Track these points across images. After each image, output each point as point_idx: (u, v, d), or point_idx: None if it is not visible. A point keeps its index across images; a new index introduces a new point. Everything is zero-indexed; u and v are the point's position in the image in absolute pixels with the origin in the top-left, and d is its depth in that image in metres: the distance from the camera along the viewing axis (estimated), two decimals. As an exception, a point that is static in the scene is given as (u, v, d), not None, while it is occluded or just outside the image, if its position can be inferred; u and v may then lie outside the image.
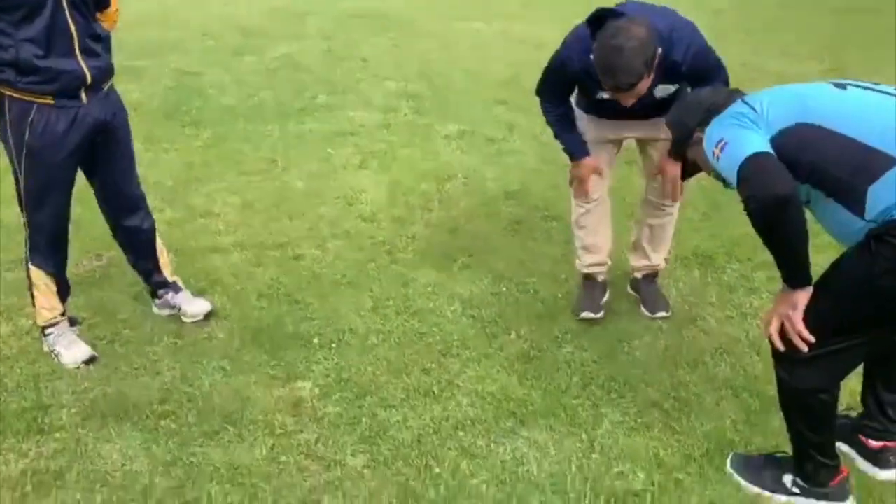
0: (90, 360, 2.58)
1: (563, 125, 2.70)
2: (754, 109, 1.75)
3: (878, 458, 2.02)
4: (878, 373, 1.98)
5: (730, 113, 1.80)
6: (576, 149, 2.71)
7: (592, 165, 2.69)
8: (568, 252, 3.31)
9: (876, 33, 7.73)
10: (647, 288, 2.86)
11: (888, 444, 2.02)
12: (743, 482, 2.02)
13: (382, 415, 2.33)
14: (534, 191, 4.02)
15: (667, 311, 2.80)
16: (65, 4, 2.24)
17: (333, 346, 2.70)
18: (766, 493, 1.97)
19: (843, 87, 1.77)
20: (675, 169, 2.42)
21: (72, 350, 2.58)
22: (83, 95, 2.35)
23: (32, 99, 2.29)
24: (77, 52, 2.29)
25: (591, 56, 2.28)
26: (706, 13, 8.81)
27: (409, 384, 2.47)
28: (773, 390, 2.40)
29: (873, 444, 2.02)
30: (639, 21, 2.20)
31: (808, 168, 1.70)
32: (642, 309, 2.85)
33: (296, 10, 10.81)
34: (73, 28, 2.27)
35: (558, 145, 2.80)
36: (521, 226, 3.60)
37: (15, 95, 2.28)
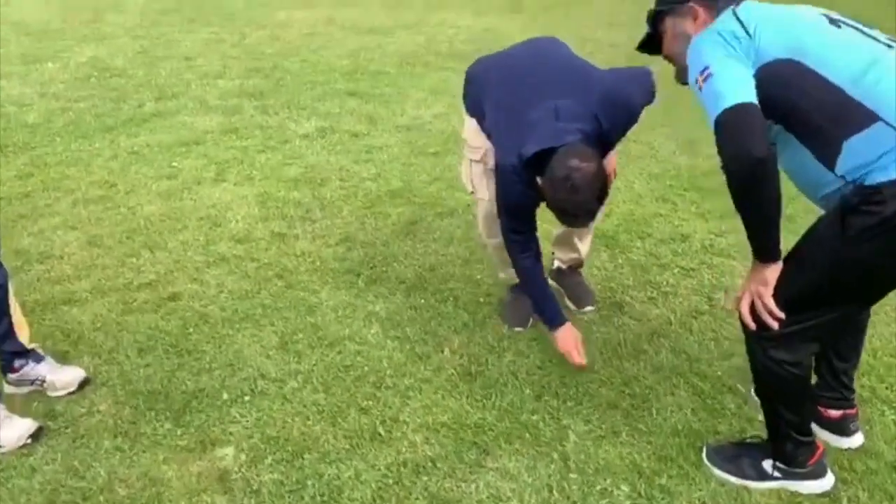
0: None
1: (533, 275, 2.29)
2: (747, 32, 1.63)
3: (840, 427, 2.05)
4: (830, 342, 2.00)
5: (722, 30, 1.66)
6: (553, 315, 2.29)
7: (575, 338, 2.28)
8: (475, 249, 3.14)
9: None
10: (572, 280, 2.75)
11: (847, 412, 2.05)
12: (724, 475, 1.97)
13: (329, 472, 2.02)
14: (417, 186, 3.80)
15: (593, 305, 2.72)
16: None
17: (247, 398, 2.32)
18: (751, 484, 1.93)
19: (837, 24, 1.67)
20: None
21: None
22: None
23: None
24: None
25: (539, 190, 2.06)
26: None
27: (349, 430, 2.17)
28: (717, 370, 2.41)
29: (833, 413, 2.05)
30: (583, 152, 1.97)
31: (786, 108, 1.61)
32: (567, 302, 2.74)
33: (87, 4, 9.66)
34: None
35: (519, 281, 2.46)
36: (416, 227, 3.37)
37: None
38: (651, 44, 1.96)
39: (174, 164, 4.18)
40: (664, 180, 3.71)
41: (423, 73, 5.94)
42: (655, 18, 1.91)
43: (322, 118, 4.91)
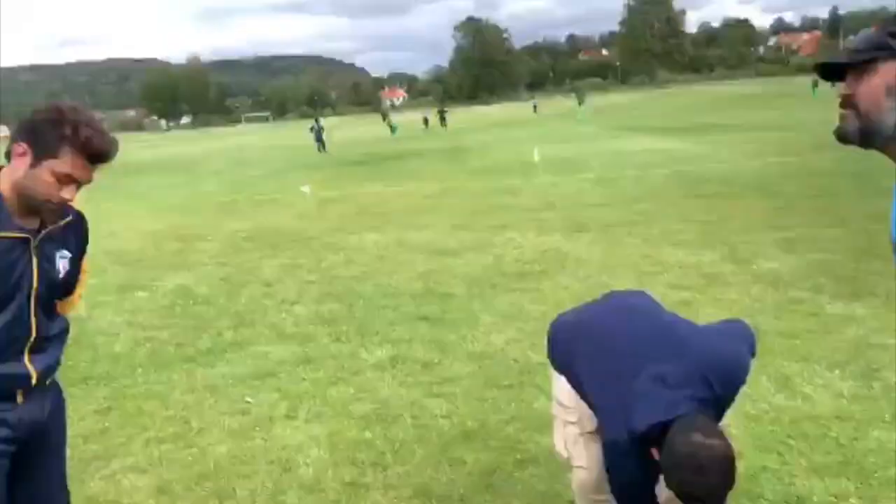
0: None
1: None
2: None
3: None
4: None
5: None
6: None
7: None
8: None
9: (748, 216, 8.43)
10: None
11: None
12: None
13: None
14: (493, 427, 3.64)
15: None
16: (32, 302, 1.85)
17: None
18: None
19: None
20: None
21: None
22: (19, 397, 1.89)
23: None
24: (27, 352, 1.88)
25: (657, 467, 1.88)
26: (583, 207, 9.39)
27: None
28: None
29: None
30: (705, 425, 1.82)
31: None
32: None
33: (180, 234, 10.51)
34: (33, 327, 1.88)
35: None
36: (494, 477, 3.15)
37: None
38: (835, 70, 1.47)
39: (247, 398, 4.19)
40: (764, 424, 3.42)
41: (492, 295, 6.02)
42: (873, 49, 1.40)
43: (393, 345, 4.94)
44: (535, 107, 56.34)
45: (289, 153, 31.15)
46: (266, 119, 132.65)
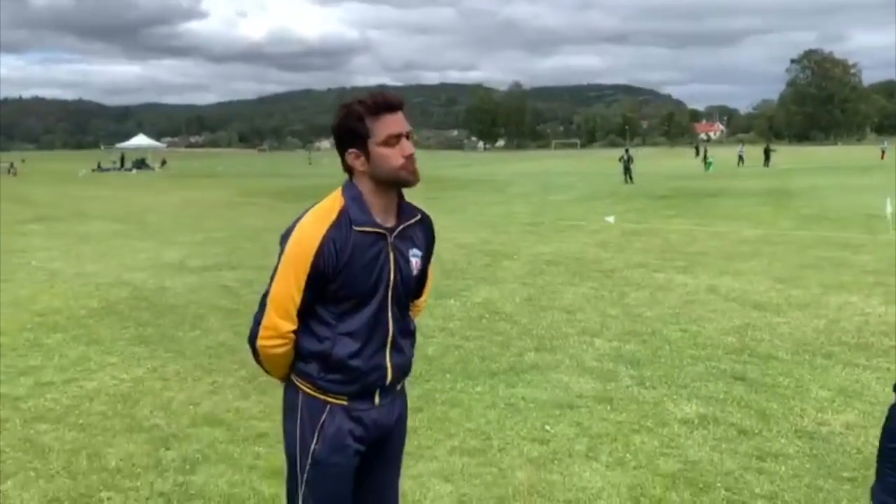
0: None
1: None
2: None
3: None
4: None
5: None
6: None
7: None
8: None
9: None
10: None
11: None
12: None
13: None
14: (829, 525, 3.08)
15: None
16: (390, 297, 1.96)
17: None
18: None
19: None
20: None
21: None
22: (376, 397, 2.01)
23: (326, 398, 1.96)
24: (388, 349, 1.99)
25: None
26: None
27: None
28: None
29: None
30: None
31: None
32: None
33: (489, 250, 11.03)
34: (390, 323, 1.98)
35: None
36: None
37: (310, 392, 1.97)
38: None
39: (547, 427, 4.13)
40: None
41: (825, 365, 5.21)
42: None
43: (704, 402, 4.50)
44: (883, 151, 49.10)
45: (595, 180, 31.27)
46: (575, 146, 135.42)
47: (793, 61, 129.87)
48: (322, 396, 1.96)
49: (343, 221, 1.88)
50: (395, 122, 1.88)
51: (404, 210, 2.01)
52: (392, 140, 1.87)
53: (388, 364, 1.99)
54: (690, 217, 15.61)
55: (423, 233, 2.06)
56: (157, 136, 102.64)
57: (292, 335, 1.94)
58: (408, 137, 1.91)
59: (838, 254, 10.27)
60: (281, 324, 1.92)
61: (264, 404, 4.46)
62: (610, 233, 12.97)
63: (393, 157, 1.88)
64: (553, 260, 10.04)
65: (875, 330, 6.13)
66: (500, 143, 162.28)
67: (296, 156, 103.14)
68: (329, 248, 1.85)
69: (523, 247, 11.38)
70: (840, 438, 3.95)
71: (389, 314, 1.97)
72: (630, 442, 3.92)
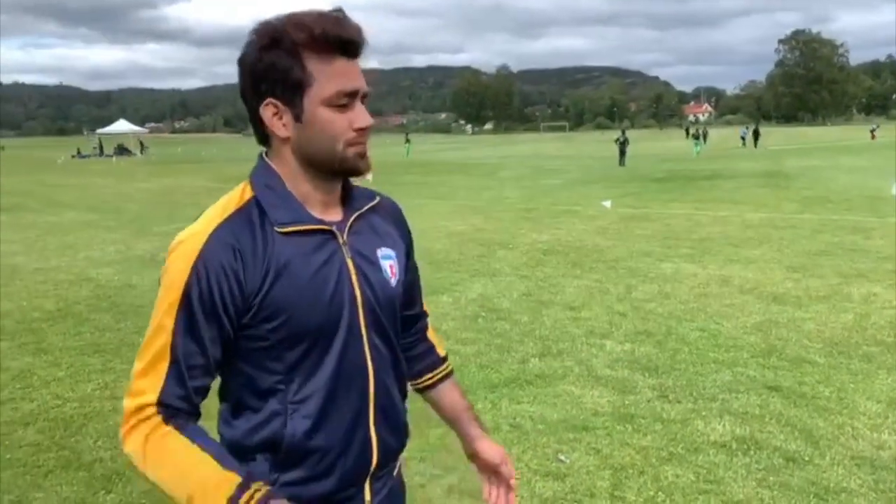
0: None
1: None
2: None
3: None
4: None
5: None
6: None
7: None
8: None
9: None
10: None
11: None
12: None
13: None
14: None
15: None
16: (363, 325, 1.25)
17: None
18: None
19: None
20: None
21: None
22: (366, 492, 1.30)
23: None
24: (371, 412, 1.27)
25: None
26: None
27: None
28: None
29: None
30: None
31: None
32: None
33: (482, 238, 10.38)
34: (370, 368, 1.27)
35: None
36: None
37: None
38: None
39: (561, 456, 3.51)
40: None
41: (866, 370, 4.63)
42: None
43: (738, 420, 3.90)
44: (873, 132, 48.77)
45: (586, 163, 30.63)
46: (563, 128, 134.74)
47: (780, 42, 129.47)
48: None
49: (248, 219, 1.20)
50: (350, 73, 1.19)
51: (353, 196, 1.31)
52: (343, 98, 1.18)
53: (374, 438, 1.28)
54: (689, 201, 15.01)
55: (392, 225, 1.38)
56: (142, 122, 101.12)
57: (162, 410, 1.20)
58: (363, 100, 1.22)
59: (849, 238, 9.70)
60: (149, 391, 1.19)
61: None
62: (607, 218, 12.35)
63: (338, 126, 1.19)
64: (551, 249, 9.41)
65: (911, 326, 5.56)
66: (489, 126, 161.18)
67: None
68: (216, 262, 1.15)
69: (518, 234, 10.74)
70: (906, 467, 3.35)
71: (367, 353, 1.25)
72: (661, 475, 3.31)
